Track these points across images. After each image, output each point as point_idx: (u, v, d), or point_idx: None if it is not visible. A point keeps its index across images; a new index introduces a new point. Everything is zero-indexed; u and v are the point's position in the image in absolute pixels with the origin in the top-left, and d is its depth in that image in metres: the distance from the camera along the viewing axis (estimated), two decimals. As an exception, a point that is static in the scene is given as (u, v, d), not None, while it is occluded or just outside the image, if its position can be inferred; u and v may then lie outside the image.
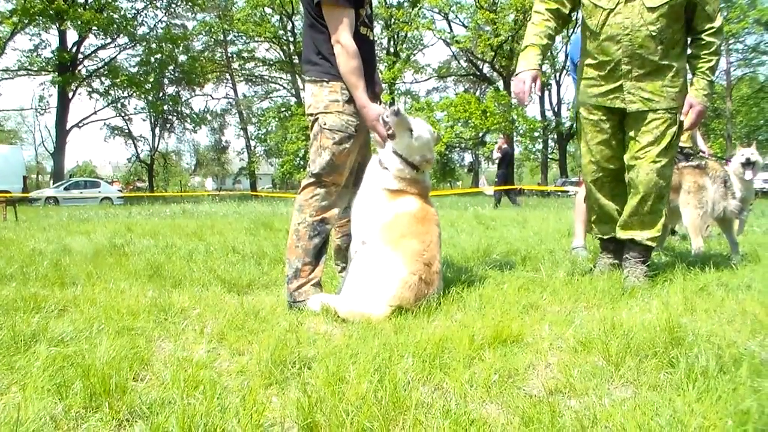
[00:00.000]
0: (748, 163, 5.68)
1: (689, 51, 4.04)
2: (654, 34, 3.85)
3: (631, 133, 4.09)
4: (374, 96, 3.68)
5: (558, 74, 49.07)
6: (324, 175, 3.56)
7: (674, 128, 4.01)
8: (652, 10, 3.83)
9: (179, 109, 47.93)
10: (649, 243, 4.17)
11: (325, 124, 3.52)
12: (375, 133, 3.58)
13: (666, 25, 3.85)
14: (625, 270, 4.21)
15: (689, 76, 4.15)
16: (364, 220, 3.50)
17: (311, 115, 3.60)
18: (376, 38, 3.83)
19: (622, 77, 4.01)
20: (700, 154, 6.47)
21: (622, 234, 4.26)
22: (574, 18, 4.26)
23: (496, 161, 20.97)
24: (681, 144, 6.62)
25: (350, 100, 3.52)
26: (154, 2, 41.85)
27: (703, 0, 3.88)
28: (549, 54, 47.23)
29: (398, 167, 3.48)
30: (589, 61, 4.18)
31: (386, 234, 3.36)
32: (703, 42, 3.95)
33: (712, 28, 3.92)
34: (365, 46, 3.56)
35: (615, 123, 4.18)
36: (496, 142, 25.95)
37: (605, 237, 4.46)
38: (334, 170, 3.56)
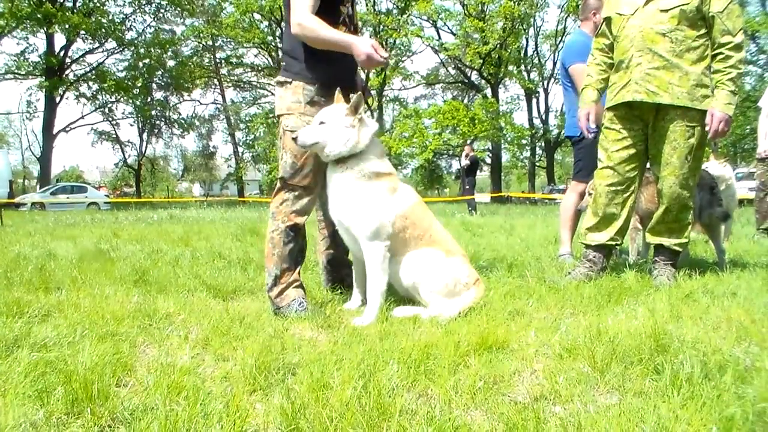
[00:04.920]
0: None
1: (713, 66, 4.16)
2: (663, 31, 4.10)
3: (657, 147, 4.30)
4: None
5: (546, 82, 49.33)
6: (288, 179, 3.51)
7: (693, 140, 4.18)
8: (664, 11, 4.11)
9: (167, 114, 47.85)
10: (677, 248, 4.46)
11: (287, 126, 3.48)
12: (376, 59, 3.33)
13: (676, 26, 4.08)
14: (654, 271, 4.44)
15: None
16: None
17: (277, 117, 3.57)
18: None
19: (632, 70, 4.22)
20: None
21: (651, 239, 4.58)
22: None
23: (465, 168, 21.01)
24: None
25: (312, 102, 3.46)
26: (143, 7, 41.70)
27: (720, 15, 4.05)
28: (537, 62, 47.68)
29: None
30: (614, 70, 4.44)
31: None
32: (723, 55, 4.09)
33: (730, 42, 4.06)
34: None
35: (636, 133, 4.37)
36: (462, 150, 25.96)
37: (593, 244, 4.50)
38: (297, 173, 3.49)
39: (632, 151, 4.37)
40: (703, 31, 4.12)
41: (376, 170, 3.35)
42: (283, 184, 3.54)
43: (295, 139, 3.32)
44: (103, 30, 38.48)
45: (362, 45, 3.28)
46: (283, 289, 3.49)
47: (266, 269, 3.56)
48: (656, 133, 4.28)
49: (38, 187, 41.33)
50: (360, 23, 3.78)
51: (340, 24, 3.50)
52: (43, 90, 37.39)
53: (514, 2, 39.15)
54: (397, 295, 3.56)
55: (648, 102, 4.18)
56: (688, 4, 4.06)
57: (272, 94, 51.14)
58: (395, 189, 3.41)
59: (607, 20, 4.49)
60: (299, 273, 3.59)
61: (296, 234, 3.54)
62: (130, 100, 42.68)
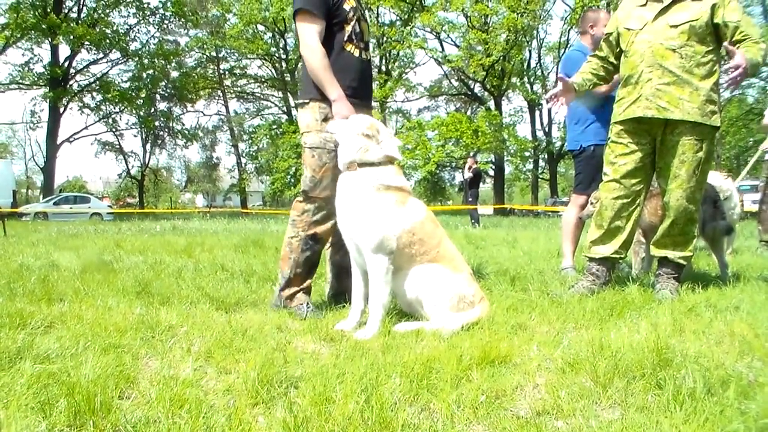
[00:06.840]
0: None
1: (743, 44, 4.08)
2: (673, 47, 4.11)
3: (665, 160, 4.31)
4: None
5: (549, 94, 49.26)
6: (309, 192, 3.72)
7: (701, 154, 4.19)
8: (674, 27, 4.12)
9: (171, 125, 47.95)
10: (681, 261, 4.45)
11: (306, 143, 3.71)
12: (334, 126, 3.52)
13: (686, 42, 4.10)
14: (657, 284, 4.43)
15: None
16: None
17: (301, 135, 3.80)
18: (369, 58, 3.90)
19: (642, 86, 4.22)
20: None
21: (655, 252, 4.55)
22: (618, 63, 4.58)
23: (468, 180, 20.99)
24: None
25: (327, 118, 3.65)
26: (147, 18, 41.80)
27: (739, 23, 4.05)
28: (540, 74, 47.72)
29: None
30: (621, 84, 4.45)
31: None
32: (753, 39, 4.02)
33: (759, 36, 4.06)
34: (351, 63, 3.72)
35: (643, 147, 4.37)
36: (465, 162, 25.90)
37: (597, 257, 4.49)
38: (317, 185, 3.70)
39: (639, 164, 4.38)
40: (712, 47, 4.14)
41: (386, 183, 3.36)
42: (305, 196, 3.75)
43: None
44: (108, 41, 38.63)
45: (342, 108, 3.54)
46: (295, 292, 3.75)
47: (280, 270, 3.82)
48: (664, 147, 4.29)
49: (41, 197, 41.41)
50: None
51: (347, 41, 3.72)
52: (47, 100, 37.53)
53: (518, 14, 39.17)
54: (399, 309, 3.56)
55: (658, 117, 4.19)
56: (698, 19, 4.08)
57: (275, 105, 51.49)
58: (404, 203, 3.41)
59: (608, 35, 4.51)
60: (310, 281, 3.83)
61: (315, 243, 3.76)
62: (134, 111, 42.82)
